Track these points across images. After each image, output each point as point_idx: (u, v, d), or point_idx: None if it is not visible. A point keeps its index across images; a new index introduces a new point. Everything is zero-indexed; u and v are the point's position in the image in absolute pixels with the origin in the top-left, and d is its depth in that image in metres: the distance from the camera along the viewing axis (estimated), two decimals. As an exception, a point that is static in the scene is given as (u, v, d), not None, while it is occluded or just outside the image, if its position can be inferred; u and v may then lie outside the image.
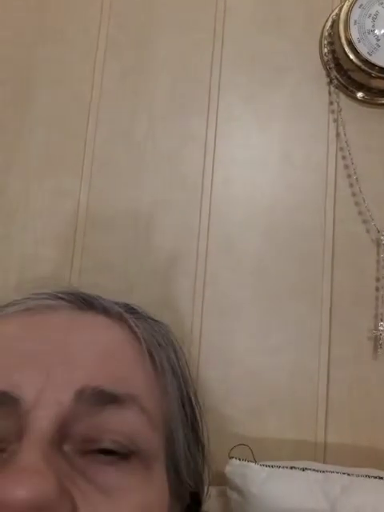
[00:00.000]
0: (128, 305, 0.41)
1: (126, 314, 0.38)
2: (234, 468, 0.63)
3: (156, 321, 0.41)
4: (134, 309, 0.41)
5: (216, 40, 0.82)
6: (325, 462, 0.71)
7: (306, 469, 0.62)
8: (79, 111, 0.81)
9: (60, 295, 0.38)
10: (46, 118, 0.81)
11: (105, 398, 0.31)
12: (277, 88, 0.81)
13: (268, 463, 0.63)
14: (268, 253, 0.77)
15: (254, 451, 0.66)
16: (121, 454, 0.31)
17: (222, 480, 0.65)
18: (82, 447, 0.30)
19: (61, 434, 0.29)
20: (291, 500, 0.59)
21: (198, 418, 0.39)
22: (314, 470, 0.62)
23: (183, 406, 0.38)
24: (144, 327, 0.38)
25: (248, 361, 0.74)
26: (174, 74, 0.82)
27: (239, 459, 0.63)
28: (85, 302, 0.38)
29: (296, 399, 0.73)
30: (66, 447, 0.30)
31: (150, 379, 0.35)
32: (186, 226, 0.78)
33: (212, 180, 0.79)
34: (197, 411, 0.39)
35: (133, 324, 0.37)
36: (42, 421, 0.29)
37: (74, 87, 0.82)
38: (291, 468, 0.62)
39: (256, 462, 0.63)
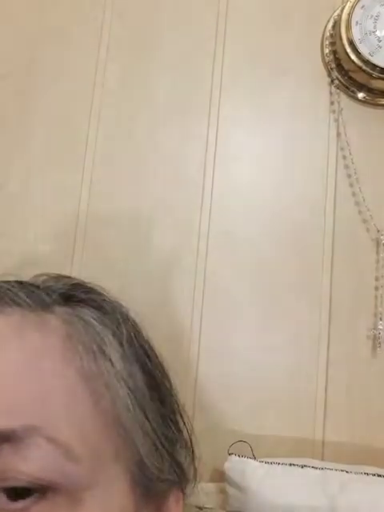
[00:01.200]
0: (70, 287, 0.34)
1: (58, 306, 0.32)
2: (233, 464, 0.63)
3: (108, 302, 0.34)
4: (77, 293, 0.34)
5: (218, 40, 0.82)
6: (323, 459, 0.71)
7: (305, 466, 0.62)
8: (81, 109, 0.81)
9: None
10: (47, 116, 0.81)
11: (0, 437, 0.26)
12: (278, 88, 0.81)
13: (267, 460, 0.63)
14: (268, 252, 0.78)
15: (252, 448, 0.66)
16: (32, 496, 0.26)
17: (221, 476, 0.66)
18: None
19: None
20: (290, 496, 0.59)
21: (168, 397, 0.35)
22: (312, 467, 0.62)
23: (141, 402, 0.32)
24: (80, 321, 0.32)
25: (247, 359, 0.75)
26: (176, 73, 0.82)
27: (238, 456, 0.64)
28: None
29: (295, 397, 0.74)
30: None
31: (73, 393, 0.29)
32: (187, 224, 0.78)
33: (213, 179, 0.79)
34: (167, 404, 0.34)
35: (63, 321, 0.31)
36: None
37: (76, 85, 0.82)
38: (290, 465, 0.62)
39: (255, 458, 0.64)
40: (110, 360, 0.31)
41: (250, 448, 0.66)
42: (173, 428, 0.34)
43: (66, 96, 0.82)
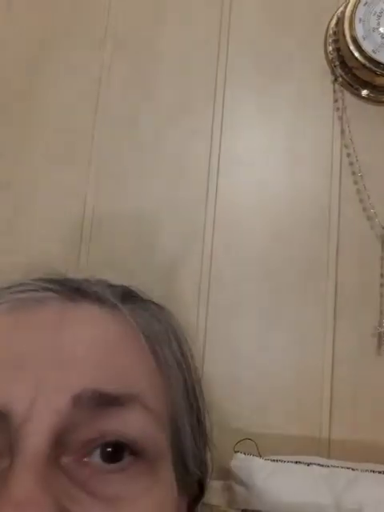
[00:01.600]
0: (126, 288, 0.37)
1: (122, 304, 0.34)
2: (240, 462, 0.63)
3: (157, 305, 0.38)
4: (134, 292, 0.37)
5: (221, 39, 0.82)
6: (329, 457, 0.71)
7: (311, 463, 0.62)
8: (86, 109, 0.81)
9: (47, 285, 0.34)
10: (53, 116, 0.81)
11: (105, 401, 0.28)
12: (282, 85, 0.81)
13: (273, 458, 0.63)
14: (273, 250, 0.78)
15: (258, 447, 0.67)
16: (126, 456, 0.29)
17: (227, 475, 0.66)
18: (82, 455, 0.28)
19: (57, 447, 0.27)
20: (296, 494, 0.60)
21: (201, 406, 0.37)
22: (319, 464, 0.63)
23: (188, 395, 0.35)
24: (143, 316, 0.35)
25: (252, 357, 0.75)
26: (180, 72, 0.82)
27: (244, 454, 0.64)
28: (76, 292, 0.34)
29: (300, 395, 0.74)
30: (65, 459, 0.28)
31: (152, 374, 0.33)
32: (192, 224, 0.78)
33: (217, 178, 0.79)
34: (200, 400, 0.37)
35: (130, 315, 0.34)
36: (36, 437, 0.26)
37: (81, 86, 0.82)
38: (296, 463, 0.62)
39: (261, 456, 0.64)
40: (171, 352, 0.35)
41: (255, 446, 0.66)
42: (203, 426, 0.37)
43: (72, 96, 0.82)
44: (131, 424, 0.29)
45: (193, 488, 0.36)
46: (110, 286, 0.36)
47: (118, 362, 0.31)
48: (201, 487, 0.37)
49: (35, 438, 0.26)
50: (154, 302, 0.38)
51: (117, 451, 0.29)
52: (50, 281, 0.34)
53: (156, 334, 0.35)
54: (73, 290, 0.34)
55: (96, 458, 0.28)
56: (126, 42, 0.83)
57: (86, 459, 0.28)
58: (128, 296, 0.36)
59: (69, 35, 0.83)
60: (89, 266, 0.77)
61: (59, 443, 0.27)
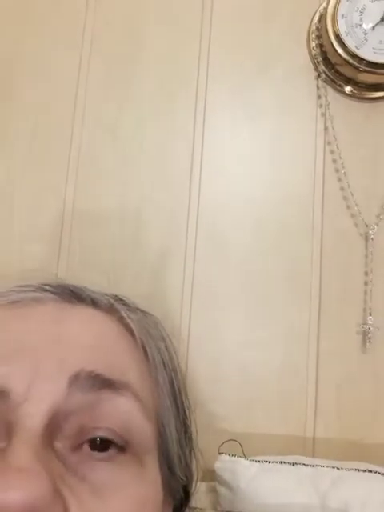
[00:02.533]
0: (117, 296, 0.39)
1: (116, 306, 0.37)
2: (224, 464, 0.63)
3: (146, 313, 0.40)
4: (124, 300, 0.39)
5: (203, 35, 0.81)
6: (314, 456, 0.71)
7: (296, 463, 0.62)
8: (65, 108, 0.80)
9: (46, 288, 0.36)
10: (31, 115, 0.80)
11: (100, 383, 0.30)
12: (264, 82, 0.81)
13: (258, 458, 0.63)
14: (256, 248, 0.77)
15: (243, 446, 0.66)
16: (114, 447, 0.30)
17: (212, 476, 0.65)
18: (75, 441, 0.29)
19: (52, 430, 0.28)
20: (281, 495, 0.59)
21: (187, 411, 0.39)
22: (303, 464, 0.62)
23: (174, 399, 0.37)
24: (134, 320, 0.37)
25: (237, 356, 0.74)
26: (161, 69, 0.81)
27: (229, 455, 0.63)
28: (73, 294, 0.36)
29: (285, 394, 0.73)
30: (58, 444, 0.29)
31: (142, 370, 0.35)
32: (174, 222, 0.77)
33: (200, 176, 0.79)
34: (186, 404, 0.39)
35: (125, 315, 0.36)
36: (34, 417, 0.28)
37: (60, 82, 0.81)
38: (281, 463, 0.62)
39: (245, 457, 0.63)
40: (160, 356, 0.37)
41: (240, 447, 0.65)
42: (189, 431, 0.38)
43: (50, 94, 0.80)
44: (123, 408, 0.30)
45: (178, 493, 0.36)
46: (104, 294, 0.38)
47: (112, 352, 0.33)
48: (186, 493, 0.37)
49: (33, 419, 0.28)
50: (142, 310, 0.40)
51: (104, 442, 0.30)
52: (49, 284, 0.37)
53: (146, 337, 0.37)
54: (70, 293, 0.36)
55: (85, 446, 0.29)
56: (105, 39, 0.82)
57: (76, 447, 0.29)
58: (119, 302, 0.38)
59: (45, 34, 0.82)
60: (69, 267, 0.76)
61: (54, 427, 0.28)
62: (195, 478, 0.39)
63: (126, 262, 0.76)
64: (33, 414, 0.28)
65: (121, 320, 0.36)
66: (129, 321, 0.36)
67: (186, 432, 0.38)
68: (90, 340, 0.33)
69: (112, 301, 0.37)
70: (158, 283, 0.76)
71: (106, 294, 0.38)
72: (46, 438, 0.28)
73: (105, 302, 0.37)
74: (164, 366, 0.37)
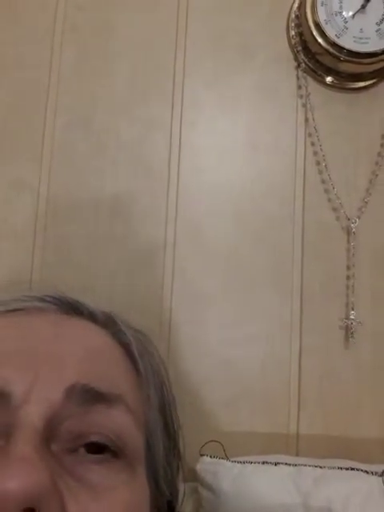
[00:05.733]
0: (113, 313, 0.41)
1: (111, 324, 0.39)
2: (206, 466, 0.61)
3: (138, 330, 0.41)
4: (118, 316, 0.41)
5: (179, 23, 0.79)
6: (297, 453, 0.70)
7: (278, 463, 0.61)
8: (36, 98, 0.77)
9: (47, 299, 0.38)
10: (1, 106, 0.77)
11: (94, 397, 0.31)
12: (243, 73, 0.79)
13: (240, 459, 0.61)
14: (237, 241, 0.75)
15: (225, 445, 0.65)
16: (108, 451, 0.31)
17: (194, 476, 0.64)
18: (70, 445, 0.30)
19: (49, 433, 0.29)
20: (263, 495, 0.58)
21: (176, 426, 0.40)
22: (286, 463, 0.61)
23: (164, 414, 0.38)
24: (128, 336, 0.39)
25: (219, 352, 0.73)
26: (136, 57, 0.78)
27: (210, 456, 0.62)
28: (71, 307, 0.39)
29: (268, 390, 0.72)
30: (54, 446, 0.30)
31: (134, 383, 0.36)
32: (153, 215, 0.75)
33: (178, 167, 0.77)
34: (175, 420, 0.40)
35: (117, 333, 0.38)
36: (33, 416, 0.29)
37: (31, 72, 0.78)
38: (263, 463, 0.61)
39: (228, 458, 0.62)
40: (152, 372, 0.38)
41: (222, 447, 0.64)
42: (176, 446, 0.40)
43: (20, 84, 0.77)
44: (116, 419, 0.32)
45: (162, 507, 0.37)
46: (102, 311, 0.40)
47: (107, 365, 0.35)
48: (171, 510, 0.38)
49: (33, 418, 0.29)
50: (135, 327, 0.41)
51: (100, 447, 0.31)
52: (50, 296, 0.39)
53: (139, 353, 0.38)
54: (69, 306, 0.39)
55: (81, 449, 0.31)
56: (78, 26, 0.79)
57: (72, 450, 0.30)
58: (114, 319, 0.40)
59: (17, 18, 0.78)
60: (44, 263, 0.73)
61: (51, 430, 0.29)
62: (181, 494, 0.40)
63: (102, 257, 0.74)
64: (33, 415, 0.29)
65: (116, 334, 0.38)
66: (123, 335, 0.38)
67: (173, 447, 0.39)
68: (86, 351, 0.34)
69: (108, 318, 0.39)
70: (136, 279, 0.74)
71: (104, 311, 0.40)
72: (43, 438, 0.29)
73: (101, 316, 0.39)
74: (154, 381, 0.38)
